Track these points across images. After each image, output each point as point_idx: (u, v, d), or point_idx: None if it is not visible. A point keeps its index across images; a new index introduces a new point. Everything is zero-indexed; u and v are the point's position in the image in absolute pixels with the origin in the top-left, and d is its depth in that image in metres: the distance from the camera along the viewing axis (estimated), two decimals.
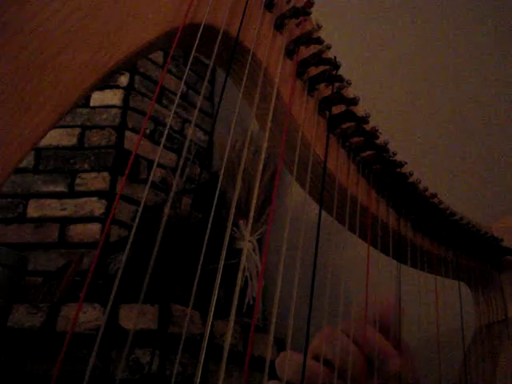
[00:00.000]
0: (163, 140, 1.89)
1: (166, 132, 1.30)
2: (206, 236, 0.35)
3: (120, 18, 0.36)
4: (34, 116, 0.31)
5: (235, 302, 0.31)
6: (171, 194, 1.66)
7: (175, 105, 1.81)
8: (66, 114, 0.33)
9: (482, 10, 1.17)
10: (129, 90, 1.89)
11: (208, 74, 1.89)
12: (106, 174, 1.72)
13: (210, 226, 0.35)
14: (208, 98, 2.24)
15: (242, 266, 0.37)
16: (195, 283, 0.34)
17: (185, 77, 2.04)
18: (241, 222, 1.50)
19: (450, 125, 1.12)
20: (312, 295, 0.36)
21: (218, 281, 0.34)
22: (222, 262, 0.34)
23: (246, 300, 1.40)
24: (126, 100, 1.87)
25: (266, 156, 1.53)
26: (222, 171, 1.73)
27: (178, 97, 2.01)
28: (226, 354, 0.34)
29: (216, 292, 0.33)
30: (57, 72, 0.32)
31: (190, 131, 2.00)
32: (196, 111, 2.04)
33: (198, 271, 0.35)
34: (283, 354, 0.36)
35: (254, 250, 1.52)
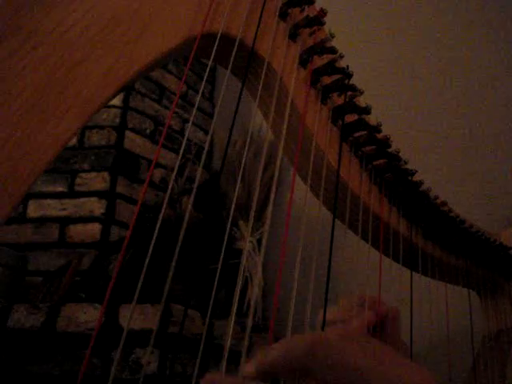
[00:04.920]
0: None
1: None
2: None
3: (139, 28, 0.36)
4: (57, 125, 0.32)
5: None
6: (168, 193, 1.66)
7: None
8: (87, 121, 0.34)
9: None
10: (129, 89, 1.89)
11: (213, 75, 1.88)
12: (105, 173, 1.72)
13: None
14: (208, 98, 2.24)
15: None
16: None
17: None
18: (240, 222, 1.50)
19: (460, 130, 1.12)
20: (326, 296, 0.37)
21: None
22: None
23: (247, 300, 1.40)
24: (126, 100, 1.87)
25: (268, 156, 1.54)
26: (223, 171, 1.73)
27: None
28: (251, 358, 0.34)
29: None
30: (79, 81, 0.33)
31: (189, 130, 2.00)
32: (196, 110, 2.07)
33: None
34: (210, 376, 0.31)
35: (253, 250, 1.53)
